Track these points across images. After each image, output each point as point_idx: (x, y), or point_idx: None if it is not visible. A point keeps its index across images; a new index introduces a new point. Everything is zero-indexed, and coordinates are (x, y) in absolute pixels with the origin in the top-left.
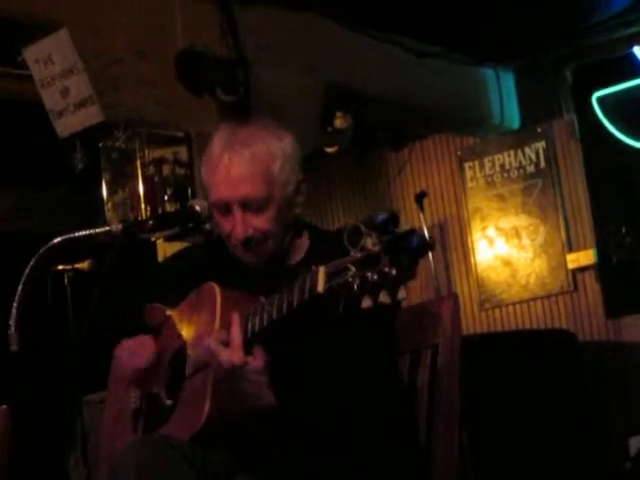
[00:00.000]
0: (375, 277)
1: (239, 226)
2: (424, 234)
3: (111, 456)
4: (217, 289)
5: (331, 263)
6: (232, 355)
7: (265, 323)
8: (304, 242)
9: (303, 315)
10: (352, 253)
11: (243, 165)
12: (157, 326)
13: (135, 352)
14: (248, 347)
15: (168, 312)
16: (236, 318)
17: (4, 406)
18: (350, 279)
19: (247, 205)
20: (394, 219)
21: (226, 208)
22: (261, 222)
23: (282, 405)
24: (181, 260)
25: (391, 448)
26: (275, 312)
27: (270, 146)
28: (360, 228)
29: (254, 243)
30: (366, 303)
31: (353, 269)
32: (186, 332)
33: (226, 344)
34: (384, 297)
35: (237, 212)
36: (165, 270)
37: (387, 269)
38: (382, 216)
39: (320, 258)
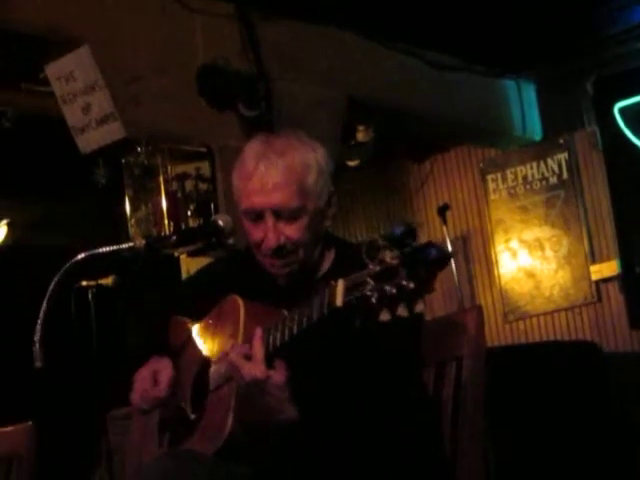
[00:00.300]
0: (393, 290)
1: (271, 234)
2: (442, 246)
3: (138, 470)
4: (240, 302)
5: (349, 277)
6: (254, 369)
7: (286, 337)
8: (331, 255)
9: (323, 329)
10: (370, 266)
11: (278, 174)
12: (181, 340)
13: (154, 381)
14: (270, 361)
15: (191, 326)
16: (258, 332)
17: (29, 422)
18: (368, 293)
19: (280, 214)
20: (411, 232)
21: (258, 216)
22: (293, 231)
23: (304, 419)
24: (205, 275)
25: (415, 462)
26: (295, 326)
27: (305, 157)
28: (378, 241)
29: (285, 252)
30: (384, 316)
31: (371, 282)
32: (210, 345)
33: (248, 358)
34: (402, 310)
35: (269, 220)
36: (190, 285)
37: (405, 282)
38: (399, 229)
39: (343, 272)
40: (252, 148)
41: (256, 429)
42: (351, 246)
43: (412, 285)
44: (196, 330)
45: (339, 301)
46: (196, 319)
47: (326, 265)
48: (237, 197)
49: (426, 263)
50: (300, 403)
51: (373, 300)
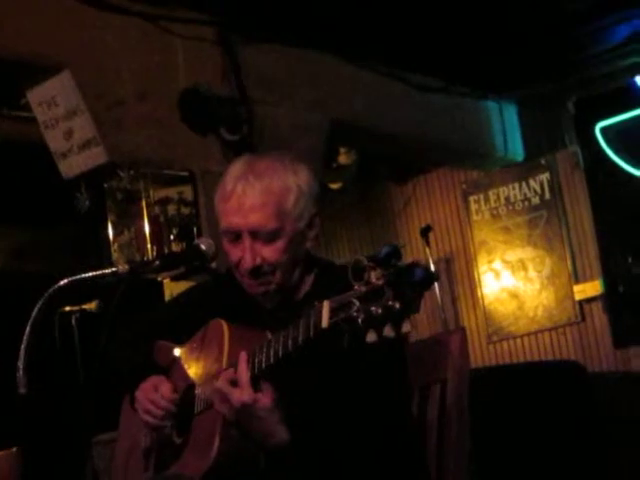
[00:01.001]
0: (379, 311)
1: (248, 254)
2: (428, 267)
3: None
4: (225, 325)
5: (335, 298)
6: (241, 394)
7: (272, 360)
8: (312, 276)
9: (309, 351)
10: (356, 287)
11: (255, 195)
12: (166, 364)
13: (156, 390)
14: (256, 384)
15: (176, 350)
16: (243, 356)
17: (14, 448)
18: (354, 314)
19: (257, 235)
20: (396, 253)
21: (236, 237)
22: (270, 252)
23: (294, 441)
24: (189, 298)
25: None
26: (281, 349)
27: (285, 180)
28: (363, 262)
29: (261, 272)
30: (371, 337)
31: (357, 303)
32: (194, 370)
33: (235, 383)
34: (389, 331)
35: (246, 240)
36: (173, 308)
37: (391, 302)
38: (385, 250)
39: (325, 291)
40: (234, 169)
41: (245, 454)
42: (333, 267)
43: (398, 305)
44: (180, 354)
45: (325, 322)
46: (180, 342)
47: (307, 285)
48: (218, 215)
49: (411, 284)
50: (289, 425)
51: (359, 321)
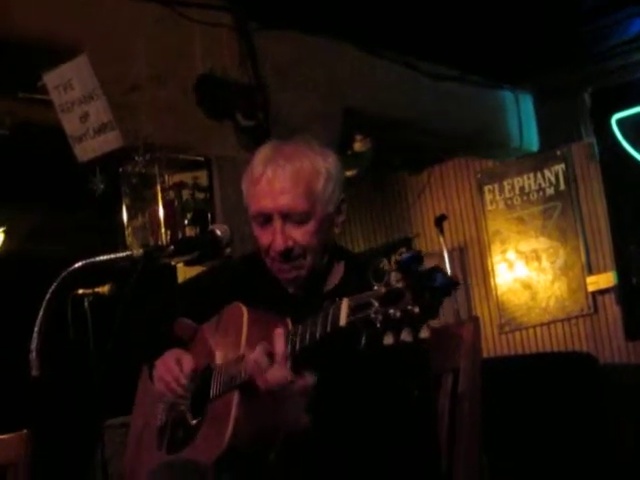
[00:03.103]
0: (398, 314)
1: (279, 237)
2: (448, 273)
3: (134, 468)
4: (244, 310)
5: (354, 297)
6: (280, 371)
7: (297, 348)
8: (340, 268)
9: (326, 347)
10: (376, 288)
11: (286, 177)
12: (186, 340)
13: (178, 364)
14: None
15: (196, 328)
16: (279, 334)
17: (24, 431)
18: (373, 315)
19: (288, 216)
20: (418, 258)
21: (266, 220)
22: (301, 235)
23: (317, 429)
24: (211, 277)
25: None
26: (298, 342)
27: (314, 163)
28: (384, 264)
29: (293, 255)
30: (388, 340)
31: (376, 304)
32: (212, 351)
33: (272, 359)
34: (406, 335)
35: (277, 223)
36: (194, 288)
37: (410, 307)
38: (406, 256)
39: (353, 287)
40: (261, 154)
41: (265, 435)
42: (360, 261)
43: (417, 310)
44: (200, 334)
45: (343, 321)
46: (200, 321)
47: (335, 278)
48: (246, 202)
49: (432, 289)
50: (312, 413)
51: (377, 323)
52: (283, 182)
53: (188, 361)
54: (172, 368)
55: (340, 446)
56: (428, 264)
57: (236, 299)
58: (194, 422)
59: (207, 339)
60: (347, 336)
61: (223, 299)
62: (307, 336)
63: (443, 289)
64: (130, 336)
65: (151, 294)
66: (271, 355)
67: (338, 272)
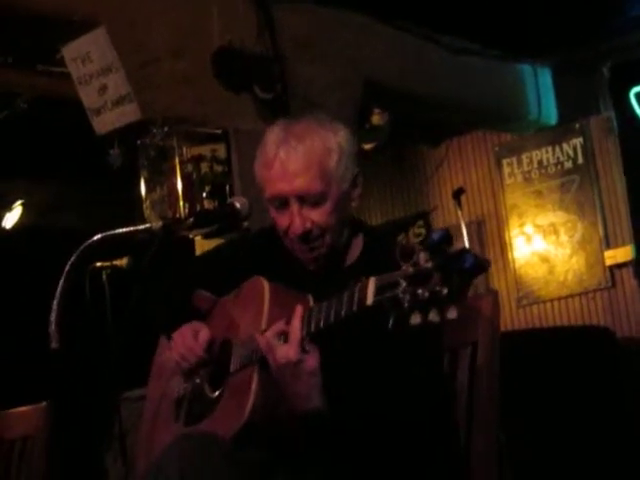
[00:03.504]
0: (426, 294)
1: (297, 219)
2: (478, 255)
3: (150, 439)
4: (265, 284)
5: (382, 276)
6: (288, 351)
7: (312, 330)
8: (359, 242)
9: (350, 326)
10: (404, 267)
11: (299, 159)
12: (204, 313)
13: (195, 336)
14: (302, 345)
15: (215, 301)
16: (298, 313)
17: (43, 403)
18: (400, 295)
19: (304, 199)
20: (448, 238)
21: (282, 203)
22: (319, 215)
23: (330, 410)
24: (230, 250)
25: (430, 464)
26: (322, 320)
27: (326, 141)
28: (413, 244)
29: (312, 237)
30: (415, 320)
31: (404, 284)
32: (232, 325)
33: (285, 338)
34: (434, 316)
35: (294, 206)
36: (212, 260)
37: (439, 287)
38: (436, 235)
39: (373, 262)
40: (272, 134)
41: (278, 414)
42: (380, 235)
43: (445, 291)
44: (219, 307)
45: (369, 300)
46: (219, 295)
47: (355, 253)
48: (261, 186)
49: (461, 270)
50: (327, 394)
51: (405, 303)
52: (296, 164)
53: (205, 333)
54: (188, 339)
55: (359, 425)
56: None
57: (256, 273)
58: (213, 395)
59: (226, 312)
60: (373, 315)
61: (242, 272)
62: (332, 314)
63: (472, 271)
64: (148, 308)
65: (169, 267)
66: (285, 334)
67: (357, 246)
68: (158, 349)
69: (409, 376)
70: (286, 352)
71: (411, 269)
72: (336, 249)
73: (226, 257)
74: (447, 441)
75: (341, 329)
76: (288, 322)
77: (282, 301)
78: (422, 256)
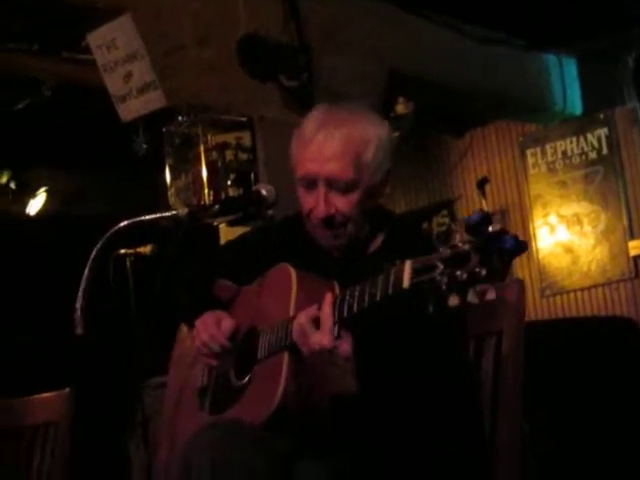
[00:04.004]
0: (465, 276)
1: (322, 203)
2: (517, 236)
3: (173, 428)
4: (292, 271)
5: (418, 259)
6: (322, 337)
7: (345, 315)
8: (381, 233)
9: (385, 309)
10: (440, 250)
11: (335, 144)
12: (226, 302)
13: (217, 323)
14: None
15: (238, 290)
16: (329, 298)
17: (66, 389)
18: (438, 277)
19: (333, 184)
20: (487, 220)
21: (311, 184)
22: (344, 204)
23: (364, 394)
24: (254, 238)
25: (458, 451)
26: (356, 305)
27: (365, 131)
28: (450, 226)
29: (334, 224)
30: (453, 301)
31: (441, 267)
32: (258, 313)
33: (317, 324)
34: (473, 297)
35: (322, 189)
36: (237, 248)
37: (477, 269)
38: (475, 216)
39: (396, 251)
40: (314, 116)
41: (310, 400)
42: (403, 224)
43: (484, 272)
44: (243, 296)
45: (406, 283)
46: (242, 283)
47: (378, 241)
48: (293, 164)
49: (501, 251)
50: (361, 377)
51: (442, 285)
52: (332, 148)
53: (228, 321)
54: (211, 327)
55: (392, 408)
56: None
57: (279, 261)
58: (239, 383)
59: (251, 301)
60: (409, 298)
61: (267, 260)
62: (366, 298)
63: (512, 251)
64: (171, 296)
65: (193, 254)
66: (316, 320)
67: (380, 235)
68: (178, 337)
69: (442, 359)
70: (320, 339)
71: (448, 251)
72: (358, 238)
73: (251, 245)
74: (474, 427)
75: (375, 313)
76: (319, 308)
77: (309, 287)
78: (458, 238)
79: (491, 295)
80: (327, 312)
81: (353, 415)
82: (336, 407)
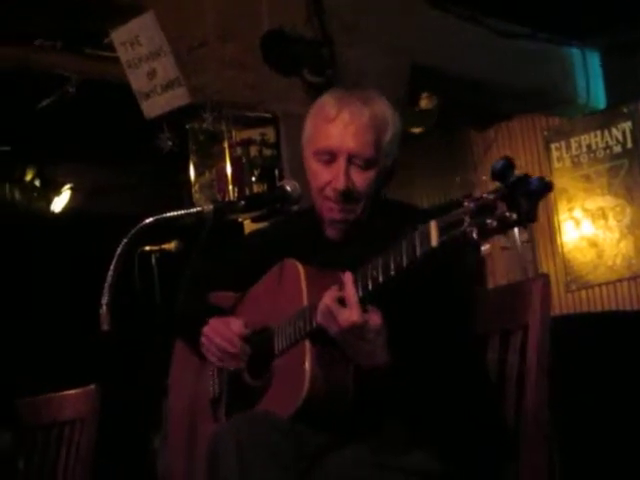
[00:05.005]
0: (495, 223)
1: (342, 176)
2: (541, 177)
3: (189, 445)
4: (299, 265)
5: (442, 217)
6: (351, 314)
7: (371, 288)
8: (380, 214)
9: (414, 275)
10: (465, 204)
11: (362, 120)
12: (228, 311)
13: (228, 326)
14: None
15: (240, 295)
16: (349, 277)
17: (92, 386)
18: (468, 229)
19: (353, 159)
20: (510, 165)
21: (330, 158)
22: (361, 180)
23: (396, 365)
24: (257, 237)
25: (482, 416)
26: (381, 275)
27: (387, 113)
28: (470, 180)
29: (350, 197)
30: (485, 249)
31: (468, 220)
32: (268, 311)
33: (342, 303)
34: (507, 242)
35: (343, 163)
36: (242, 248)
37: (508, 214)
38: (498, 163)
39: (397, 229)
40: (333, 96)
41: (336, 388)
42: (407, 208)
43: (515, 216)
44: (246, 300)
45: (434, 242)
46: (244, 288)
47: (376, 224)
48: (310, 138)
49: (528, 193)
50: (392, 349)
51: (474, 235)
52: (359, 124)
53: (237, 322)
54: (223, 331)
55: (421, 381)
56: None
57: (280, 257)
58: (258, 383)
59: (257, 301)
60: (438, 257)
61: (270, 257)
62: (391, 266)
63: (539, 192)
64: (174, 310)
65: (216, 253)
66: (341, 300)
67: (379, 220)
68: (174, 358)
69: (466, 328)
70: (349, 315)
71: (472, 204)
72: (362, 221)
73: (253, 244)
74: (498, 414)
75: (402, 280)
76: (340, 288)
77: (318, 278)
78: (479, 193)
79: (524, 237)
80: (350, 288)
81: (381, 391)
82: (364, 385)
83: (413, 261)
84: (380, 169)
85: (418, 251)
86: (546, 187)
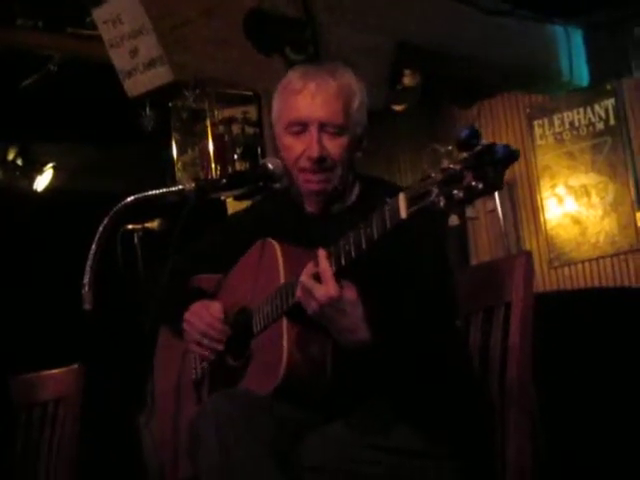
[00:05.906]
0: (461, 194)
1: (315, 144)
2: (507, 145)
3: (175, 427)
4: (275, 244)
5: (410, 189)
6: (327, 288)
7: (344, 263)
8: (356, 191)
9: (385, 246)
10: (432, 175)
11: (329, 89)
12: (210, 294)
13: (209, 313)
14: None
15: (219, 277)
16: (322, 253)
17: (76, 365)
18: (435, 199)
19: (324, 127)
20: (476, 134)
21: (302, 129)
22: (334, 147)
23: (378, 337)
24: (239, 218)
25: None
26: (353, 249)
27: (352, 83)
28: (439, 150)
29: (325, 166)
30: (453, 221)
31: (436, 190)
32: (246, 292)
33: (317, 279)
34: (472, 212)
35: (314, 132)
36: (224, 230)
37: (474, 183)
38: (464, 131)
39: (372, 202)
40: (299, 71)
41: (314, 366)
42: (380, 181)
43: (481, 186)
44: (226, 282)
45: (403, 213)
46: (224, 270)
47: (353, 196)
48: (280, 114)
49: (494, 162)
50: (372, 321)
51: (441, 205)
52: (326, 93)
53: (215, 305)
54: (205, 315)
55: (402, 353)
56: None
57: (258, 237)
58: (237, 364)
59: (236, 283)
60: (408, 228)
61: (247, 238)
62: (362, 240)
63: (505, 160)
64: (156, 298)
65: (198, 233)
66: (317, 276)
67: (355, 193)
68: (160, 343)
69: (443, 297)
70: (325, 290)
71: (439, 175)
72: (338, 191)
73: (224, 232)
74: (482, 391)
75: (374, 253)
76: (316, 264)
77: (295, 255)
78: (446, 161)
79: (490, 206)
80: (324, 263)
81: (368, 360)
82: (344, 362)
83: (383, 234)
84: (351, 137)
85: (388, 224)
86: (512, 155)
